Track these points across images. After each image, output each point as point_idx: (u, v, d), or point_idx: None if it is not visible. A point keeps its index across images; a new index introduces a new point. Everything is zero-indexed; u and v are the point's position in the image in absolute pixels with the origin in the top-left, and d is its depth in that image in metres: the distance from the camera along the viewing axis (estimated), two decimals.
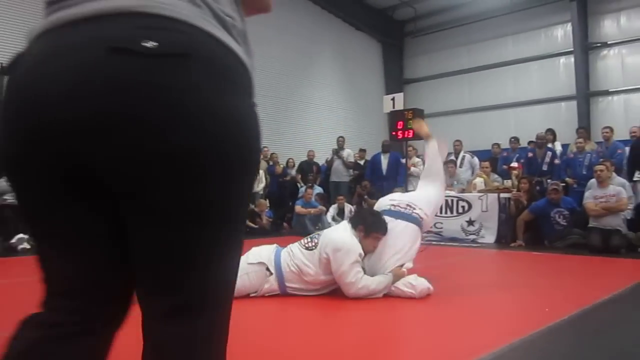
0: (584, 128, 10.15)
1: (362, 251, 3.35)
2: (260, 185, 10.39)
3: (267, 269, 3.42)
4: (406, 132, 8.74)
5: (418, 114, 8.75)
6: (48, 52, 0.78)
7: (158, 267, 0.82)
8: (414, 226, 3.61)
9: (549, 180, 8.40)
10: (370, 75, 16.78)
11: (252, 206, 9.81)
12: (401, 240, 3.51)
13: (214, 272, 0.85)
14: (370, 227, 3.48)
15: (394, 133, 8.95)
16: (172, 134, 0.74)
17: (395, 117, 8.93)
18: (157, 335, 0.84)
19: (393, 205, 3.70)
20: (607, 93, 13.33)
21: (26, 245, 7.16)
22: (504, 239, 7.47)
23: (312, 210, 9.34)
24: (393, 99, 9.14)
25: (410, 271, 3.57)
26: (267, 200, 10.30)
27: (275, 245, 3.64)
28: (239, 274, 3.23)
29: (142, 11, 0.77)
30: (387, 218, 3.57)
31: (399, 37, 17.27)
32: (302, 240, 3.56)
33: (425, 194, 3.87)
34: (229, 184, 0.82)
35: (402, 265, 3.49)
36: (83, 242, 0.84)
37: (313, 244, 3.44)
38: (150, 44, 0.73)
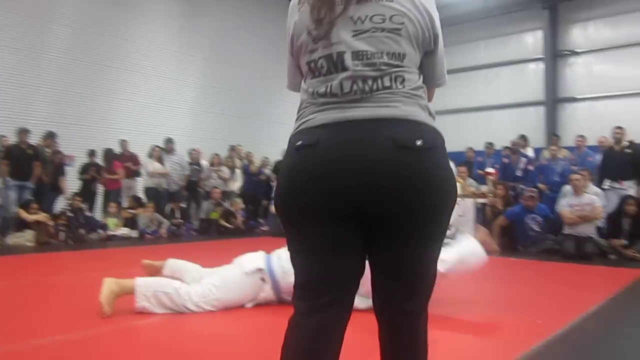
0: (557, 135, 10.38)
1: None
2: (235, 184, 10.26)
3: (262, 278, 3.34)
4: None
5: None
6: (344, 140, 1.23)
7: (399, 275, 1.31)
8: None
9: (522, 186, 8.57)
10: None
11: (226, 205, 9.67)
12: None
13: (430, 277, 1.36)
14: None
15: None
16: (429, 194, 1.23)
17: None
18: (393, 319, 1.35)
19: None
20: (573, 100, 13.68)
21: None
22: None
23: None
24: None
25: None
26: (242, 200, 10.15)
27: (261, 252, 3.55)
28: (234, 285, 3.09)
29: (403, 118, 1.24)
30: None
31: None
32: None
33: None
34: (448, 216, 1.31)
35: None
36: (343, 251, 1.29)
37: None
38: (419, 143, 1.22)
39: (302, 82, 1.37)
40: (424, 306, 1.36)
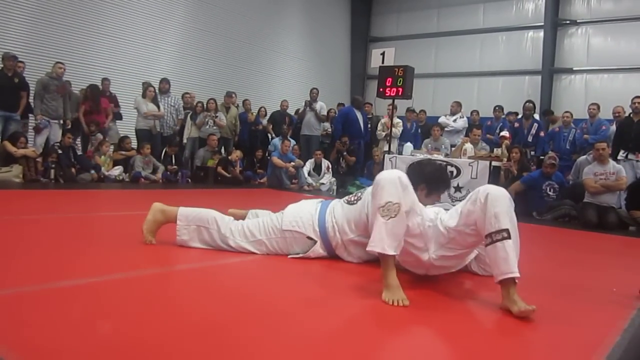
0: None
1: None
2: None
3: (308, 237, 2.95)
4: (394, 90, 8.38)
5: (409, 72, 8.40)
6: None
7: None
8: None
9: (532, 152, 8.43)
10: (336, 30, 16.18)
11: (224, 155, 9.22)
12: None
13: None
14: (435, 187, 3.07)
15: (381, 90, 8.54)
16: None
17: (384, 72, 8.51)
18: None
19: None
20: (570, 71, 13.57)
21: None
22: None
23: (291, 164, 8.86)
24: (383, 54, 8.69)
25: None
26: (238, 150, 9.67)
27: (318, 201, 3.14)
28: (271, 238, 2.59)
29: None
30: None
31: None
32: (345, 197, 3.14)
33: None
34: None
35: None
36: None
37: (356, 198, 3.00)
38: None
39: None
40: None
